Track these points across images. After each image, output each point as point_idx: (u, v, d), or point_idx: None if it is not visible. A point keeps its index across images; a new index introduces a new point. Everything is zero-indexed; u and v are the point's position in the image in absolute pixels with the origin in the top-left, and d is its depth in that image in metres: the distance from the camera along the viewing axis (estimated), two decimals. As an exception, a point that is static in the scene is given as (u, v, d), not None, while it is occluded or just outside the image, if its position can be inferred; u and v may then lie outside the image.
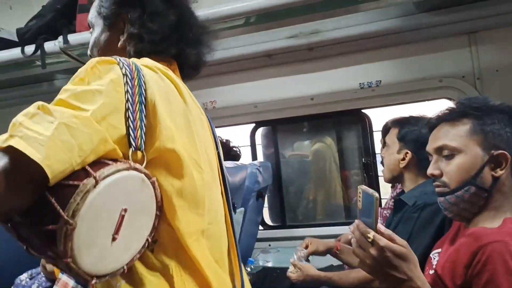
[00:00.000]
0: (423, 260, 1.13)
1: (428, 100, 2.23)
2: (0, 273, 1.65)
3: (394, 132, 1.63)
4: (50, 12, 1.92)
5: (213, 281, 0.76)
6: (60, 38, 1.91)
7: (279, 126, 2.73)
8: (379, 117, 2.51)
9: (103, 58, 0.71)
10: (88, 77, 0.67)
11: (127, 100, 0.67)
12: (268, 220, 2.79)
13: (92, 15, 0.93)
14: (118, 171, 0.62)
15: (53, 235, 0.56)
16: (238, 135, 2.89)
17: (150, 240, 0.70)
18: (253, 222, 2.40)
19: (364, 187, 0.85)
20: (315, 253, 1.80)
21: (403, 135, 1.58)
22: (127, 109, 0.66)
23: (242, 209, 2.04)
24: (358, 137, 2.57)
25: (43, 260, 1.57)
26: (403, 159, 1.56)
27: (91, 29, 0.95)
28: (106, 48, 0.90)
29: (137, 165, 0.66)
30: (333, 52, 2.25)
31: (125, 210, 0.62)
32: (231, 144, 2.51)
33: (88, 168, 0.59)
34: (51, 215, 0.55)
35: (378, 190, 2.49)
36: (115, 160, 0.64)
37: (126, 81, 0.68)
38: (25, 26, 2.02)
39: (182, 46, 0.91)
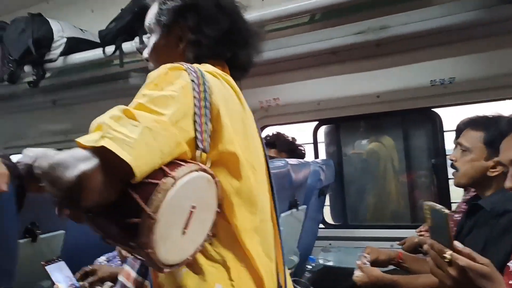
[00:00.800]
0: (500, 269, 1.06)
1: (508, 98, 2.06)
2: (82, 255, 1.81)
3: (475, 135, 1.47)
4: (128, 15, 2.07)
5: (264, 275, 0.82)
6: (137, 39, 2.04)
7: (343, 124, 2.68)
8: (450, 116, 2.38)
9: (173, 64, 0.76)
10: (161, 82, 0.72)
11: (195, 105, 0.72)
12: (329, 219, 2.76)
13: (150, 21, 0.97)
14: (191, 171, 0.67)
15: (135, 227, 0.61)
16: (301, 131, 2.90)
17: (210, 234, 0.76)
18: (314, 220, 2.39)
19: (430, 203, 0.82)
20: (376, 262, 1.74)
21: (493, 140, 1.37)
22: (194, 113, 0.71)
23: (304, 206, 2.05)
24: (427, 136, 2.44)
25: (119, 245, 1.71)
26: (494, 167, 1.39)
27: (149, 34, 0.99)
28: (165, 54, 0.94)
29: (205, 166, 0.71)
30: (403, 48, 2.16)
31: (194, 207, 0.68)
32: (297, 143, 2.51)
33: (165, 168, 0.64)
34: (134, 210, 0.61)
35: (448, 193, 2.36)
36: (185, 161, 0.69)
37: (193, 87, 0.73)
38: (106, 28, 2.19)
39: (235, 49, 0.95)
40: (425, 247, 0.86)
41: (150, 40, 0.98)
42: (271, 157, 2.24)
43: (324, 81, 2.45)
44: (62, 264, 1.39)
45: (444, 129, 2.36)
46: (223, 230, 0.80)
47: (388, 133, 2.60)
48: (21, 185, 0.80)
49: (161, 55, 0.96)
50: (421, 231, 1.93)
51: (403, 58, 2.20)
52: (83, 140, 0.62)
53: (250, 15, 1.80)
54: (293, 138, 2.50)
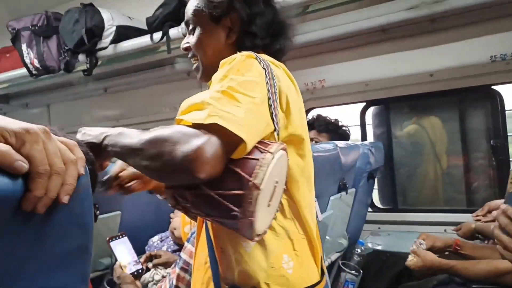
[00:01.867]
0: None
1: None
2: (137, 235, 1.90)
3: None
4: (174, 1, 2.09)
5: (317, 248, 0.92)
6: (183, 24, 2.06)
7: (392, 105, 2.58)
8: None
9: (248, 53, 0.82)
10: (242, 68, 0.77)
11: (268, 91, 0.77)
12: (377, 203, 2.70)
13: (194, 12, 0.97)
14: (279, 149, 0.72)
15: (238, 199, 0.66)
16: (343, 113, 2.83)
17: (277, 208, 0.81)
18: (363, 203, 2.35)
19: None
20: (432, 249, 1.68)
21: None
22: (269, 98, 0.77)
23: (353, 189, 2.02)
24: (486, 116, 2.29)
25: (171, 226, 1.78)
26: None
27: (191, 25, 0.99)
28: (212, 45, 0.97)
29: (284, 145, 0.76)
30: (460, 23, 2.04)
31: (277, 182, 0.73)
32: (340, 123, 2.45)
33: (259, 146, 0.70)
34: (238, 182, 0.67)
35: (508, 175, 2.22)
36: (269, 140, 0.75)
37: (265, 74, 0.79)
38: (153, 15, 2.23)
39: (278, 40, 1.00)
40: (495, 213, 0.83)
41: (196, 31, 0.98)
42: (311, 138, 2.22)
43: (372, 61, 2.37)
44: (125, 240, 1.46)
45: (506, 108, 2.21)
46: (286, 205, 0.86)
47: (443, 113, 2.47)
48: (92, 170, 0.85)
49: (208, 46, 0.97)
50: (478, 216, 1.84)
51: (460, 33, 2.08)
52: (189, 118, 0.68)
53: (296, -5, 1.79)
54: (335, 119, 2.44)
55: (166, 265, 1.57)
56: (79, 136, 0.84)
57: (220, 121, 0.65)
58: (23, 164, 0.40)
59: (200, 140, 0.64)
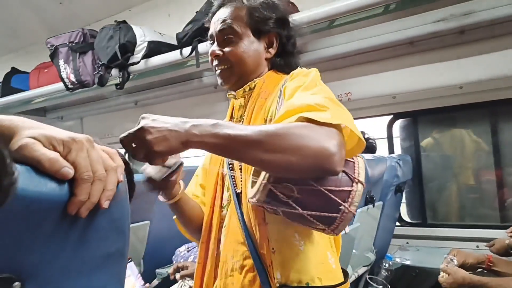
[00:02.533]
0: None
1: None
2: (165, 244, 1.94)
3: None
4: (204, 17, 2.16)
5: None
6: (210, 37, 2.12)
7: (421, 118, 2.54)
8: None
9: (315, 69, 0.94)
10: (319, 82, 0.89)
11: None
12: (405, 217, 2.64)
13: (237, 23, 1.02)
14: None
15: (347, 194, 0.74)
16: (373, 127, 2.80)
17: None
18: (391, 217, 2.31)
19: None
20: (464, 266, 1.64)
21: None
22: None
23: (380, 203, 1.99)
24: (519, 130, 2.23)
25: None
26: None
27: (228, 35, 1.02)
28: (253, 57, 1.03)
29: None
30: (490, 34, 2.01)
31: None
32: (366, 136, 2.44)
33: None
34: (347, 180, 0.76)
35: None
36: None
37: None
38: (182, 31, 2.31)
39: (297, 58, 1.12)
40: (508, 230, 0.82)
41: (237, 41, 1.02)
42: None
43: (400, 73, 2.35)
44: (131, 265, 1.48)
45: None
46: None
47: (473, 126, 2.41)
48: (130, 179, 0.89)
49: (249, 57, 1.03)
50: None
51: (490, 45, 2.04)
52: (314, 116, 0.72)
53: (321, 10, 1.82)
54: (361, 132, 2.42)
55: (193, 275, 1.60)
56: (143, 122, 0.74)
57: (346, 123, 0.73)
58: (69, 170, 0.44)
59: (337, 137, 0.71)
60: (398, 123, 2.66)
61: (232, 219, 0.97)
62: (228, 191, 1.02)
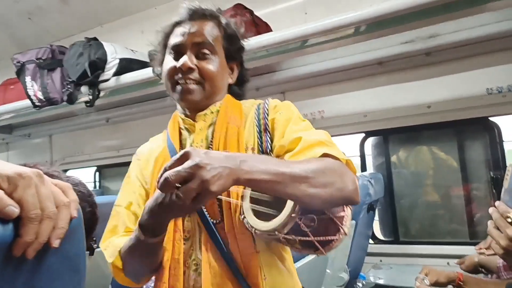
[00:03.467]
0: None
1: None
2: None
3: None
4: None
5: None
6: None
7: (391, 136, 2.59)
8: (510, 126, 2.23)
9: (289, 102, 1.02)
10: (300, 115, 0.99)
11: None
12: (379, 234, 2.66)
13: (214, 42, 0.99)
14: None
15: (344, 219, 0.83)
16: (345, 144, 2.84)
17: None
18: (364, 235, 2.32)
19: None
20: (436, 284, 1.66)
21: None
22: None
23: (353, 222, 1.99)
24: (485, 148, 2.30)
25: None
26: None
27: (204, 49, 0.98)
28: (222, 79, 1.03)
29: None
30: (455, 56, 2.08)
31: None
32: None
33: None
34: (340, 206, 0.85)
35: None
36: None
37: None
38: (154, 48, 2.29)
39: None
40: (490, 209, 0.87)
41: (212, 59, 0.99)
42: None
43: (370, 92, 2.40)
44: None
45: (504, 140, 2.22)
46: None
47: (441, 144, 2.48)
48: (93, 211, 0.85)
49: (220, 79, 1.02)
50: (481, 249, 1.81)
51: (456, 66, 2.12)
52: (336, 153, 0.84)
53: (293, 30, 1.84)
54: None
55: None
56: (197, 158, 0.66)
57: (349, 160, 0.87)
58: (14, 209, 0.41)
59: (353, 173, 0.83)
60: (370, 141, 2.70)
61: (209, 253, 0.90)
62: (188, 221, 0.94)
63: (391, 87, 2.33)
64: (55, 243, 0.44)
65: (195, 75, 0.96)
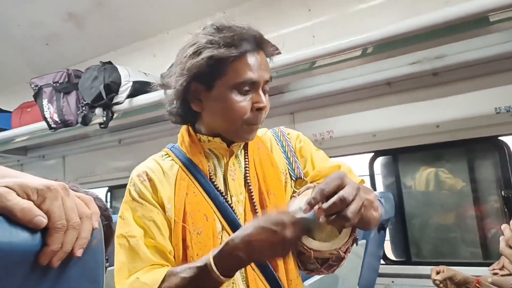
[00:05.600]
0: None
1: None
2: None
3: None
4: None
5: None
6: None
7: (401, 155, 2.60)
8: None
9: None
10: None
11: None
12: (390, 255, 2.63)
13: (270, 80, 1.00)
14: None
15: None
16: (354, 164, 2.84)
17: None
18: (375, 255, 2.30)
19: None
20: (453, 280, 1.66)
21: None
22: None
23: (364, 241, 1.98)
24: (495, 167, 2.29)
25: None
26: None
27: (266, 86, 0.96)
28: None
29: None
30: (462, 76, 2.10)
31: None
32: None
33: None
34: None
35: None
36: None
37: None
38: (167, 70, 2.35)
39: None
40: (503, 226, 0.86)
41: (266, 96, 0.96)
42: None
43: (379, 112, 2.42)
44: None
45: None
46: None
47: (451, 163, 2.47)
48: (108, 224, 0.88)
49: None
50: (494, 269, 1.78)
51: (463, 86, 2.14)
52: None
53: (302, 52, 1.89)
54: None
55: None
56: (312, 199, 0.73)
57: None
58: (43, 219, 0.43)
59: None
60: (379, 161, 2.70)
61: (257, 283, 0.89)
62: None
63: (399, 107, 2.35)
64: (79, 252, 0.46)
65: (263, 115, 0.93)
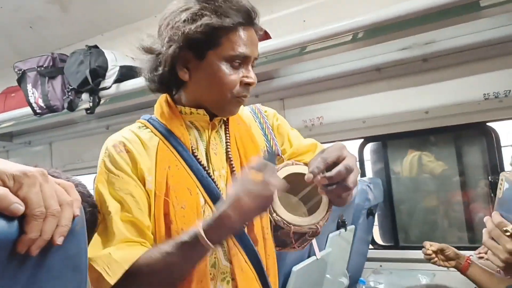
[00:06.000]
0: None
1: None
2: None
3: None
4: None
5: None
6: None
7: (390, 141, 2.61)
8: (508, 131, 2.25)
9: None
10: None
11: None
12: (378, 240, 2.67)
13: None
14: None
15: None
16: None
17: None
18: (363, 240, 2.33)
19: (508, 174, 0.82)
20: (444, 252, 1.72)
21: None
22: None
23: (353, 226, 2.00)
24: (482, 152, 2.31)
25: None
26: None
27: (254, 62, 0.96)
28: None
29: None
30: (452, 62, 2.10)
31: None
32: None
33: None
34: None
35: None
36: None
37: None
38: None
39: None
40: (485, 218, 0.85)
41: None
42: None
43: (369, 98, 2.42)
44: None
45: (502, 145, 2.23)
46: None
47: (440, 149, 2.50)
48: (93, 211, 0.86)
49: None
50: (480, 253, 1.82)
51: (453, 72, 2.14)
52: None
53: (292, 37, 1.86)
54: None
55: None
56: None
57: None
58: (19, 207, 0.42)
59: None
60: (369, 147, 2.72)
61: (239, 257, 0.88)
62: None
63: (389, 93, 2.35)
64: (59, 240, 0.45)
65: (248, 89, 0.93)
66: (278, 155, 1.02)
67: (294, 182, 0.86)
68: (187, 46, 0.86)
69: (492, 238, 0.82)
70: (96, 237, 0.84)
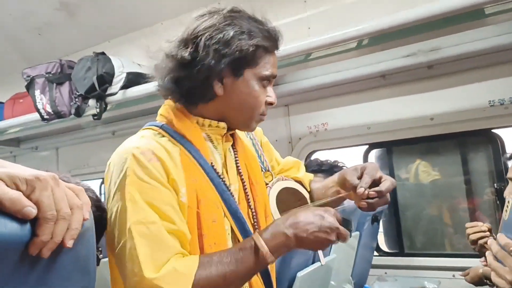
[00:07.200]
0: None
1: None
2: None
3: None
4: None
5: None
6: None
7: (395, 148, 2.61)
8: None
9: None
10: None
11: None
12: (383, 246, 2.65)
13: None
14: None
15: None
16: (349, 156, 2.84)
17: None
18: (368, 247, 2.31)
19: None
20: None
21: None
22: None
23: (357, 233, 2.00)
24: (488, 159, 2.31)
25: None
26: None
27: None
28: None
29: None
30: (457, 69, 2.10)
31: None
32: (335, 162, 2.40)
33: None
34: None
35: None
36: None
37: None
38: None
39: None
40: (489, 241, 0.87)
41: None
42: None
43: (374, 105, 2.42)
44: None
45: (507, 151, 2.22)
46: None
47: (445, 156, 2.49)
48: (101, 215, 0.87)
49: None
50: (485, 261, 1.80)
51: (458, 79, 2.14)
52: None
53: (297, 44, 1.88)
54: (335, 161, 2.43)
55: None
56: None
57: None
58: (32, 210, 0.43)
59: None
60: (374, 153, 2.71)
61: None
62: (219, 234, 0.88)
63: (394, 99, 2.35)
64: (69, 243, 0.46)
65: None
66: (268, 170, 1.10)
67: (285, 194, 0.99)
68: (230, 62, 0.87)
69: (497, 260, 0.82)
70: (144, 254, 0.75)
